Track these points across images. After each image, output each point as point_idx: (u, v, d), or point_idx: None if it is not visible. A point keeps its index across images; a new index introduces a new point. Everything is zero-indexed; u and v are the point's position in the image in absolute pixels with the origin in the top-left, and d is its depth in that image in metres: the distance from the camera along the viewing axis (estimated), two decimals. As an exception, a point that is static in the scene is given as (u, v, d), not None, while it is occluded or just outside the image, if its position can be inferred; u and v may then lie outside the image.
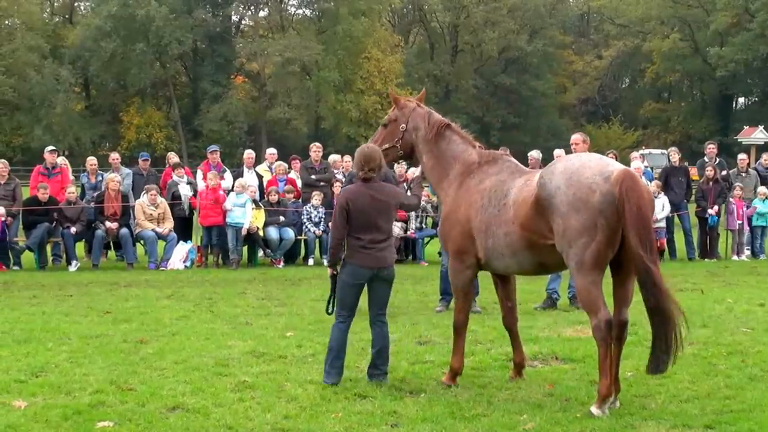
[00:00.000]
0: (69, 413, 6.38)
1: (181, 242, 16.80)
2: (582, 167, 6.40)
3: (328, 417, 6.34)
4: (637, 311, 6.87)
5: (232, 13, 66.68)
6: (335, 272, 7.37)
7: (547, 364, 8.13)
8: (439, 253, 14.57)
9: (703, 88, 68.22)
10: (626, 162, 20.54)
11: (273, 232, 16.78)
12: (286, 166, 18.60)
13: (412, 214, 17.19)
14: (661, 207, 17.36)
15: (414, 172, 8.52)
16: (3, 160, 17.46)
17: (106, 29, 56.22)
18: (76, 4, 68.32)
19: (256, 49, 59.99)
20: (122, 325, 10.14)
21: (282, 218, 16.94)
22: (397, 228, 17.21)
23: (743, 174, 19.65)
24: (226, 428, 6.11)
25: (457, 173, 7.41)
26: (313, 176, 17.55)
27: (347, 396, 6.89)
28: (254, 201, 16.67)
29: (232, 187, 16.98)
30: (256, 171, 18.23)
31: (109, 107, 63.70)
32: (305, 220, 17.03)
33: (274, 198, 17.08)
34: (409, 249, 18.07)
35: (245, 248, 17.21)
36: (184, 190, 17.43)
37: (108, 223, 16.32)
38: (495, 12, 64.28)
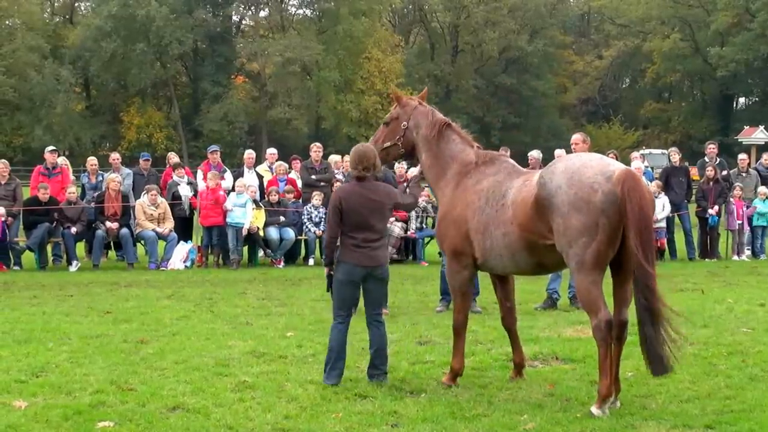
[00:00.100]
0: (69, 413, 6.38)
1: (181, 242, 16.81)
2: (583, 167, 6.39)
3: (328, 417, 6.34)
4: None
5: (233, 13, 66.66)
6: (331, 272, 7.38)
7: (548, 364, 8.14)
8: (440, 253, 14.54)
9: (704, 88, 68.18)
10: (627, 162, 20.55)
11: (273, 232, 16.78)
12: (287, 166, 18.60)
13: (413, 214, 17.19)
14: (662, 207, 17.37)
15: (413, 171, 8.51)
16: (3, 161, 17.47)
17: (107, 29, 56.21)
18: (76, 4, 68.33)
19: (257, 49, 59.98)
20: (123, 325, 10.15)
21: (282, 218, 16.94)
22: (397, 228, 17.22)
23: (743, 174, 19.65)
24: (227, 428, 6.11)
25: (454, 173, 7.41)
26: (313, 176, 17.55)
27: (347, 396, 6.89)
28: (254, 201, 16.67)
29: (233, 187, 16.98)
30: (256, 171, 18.24)
31: (109, 107, 63.71)
32: (305, 220, 17.04)
33: (274, 198, 17.09)
34: (409, 249, 18.09)
35: (245, 248, 17.21)
36: (185, 191, 17.43)
37: (108, 223, 16.33)
38: (495, 12, 64.27)
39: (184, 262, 16.58)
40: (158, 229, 16.52)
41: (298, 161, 19.08)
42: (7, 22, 59.64)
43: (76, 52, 58.96)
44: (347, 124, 58.75)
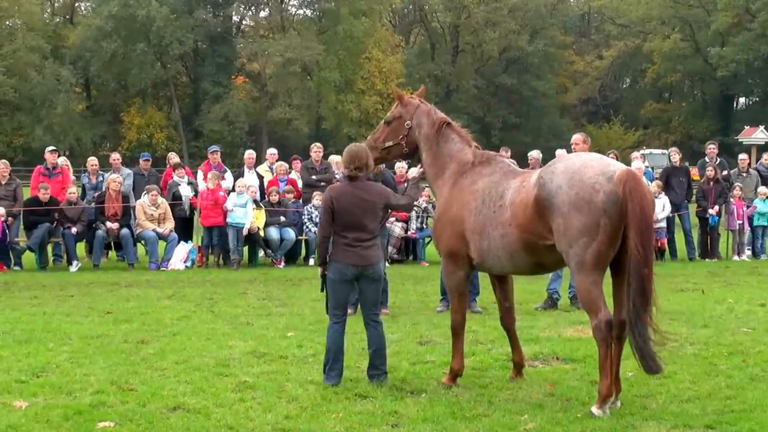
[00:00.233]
0: (70, 413, 6.38)
1: (181, 242, 16.81)
2: (583, 167, 6.39)
3: (328, 417, 6.34)
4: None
5: (233, 13, 66.65)
6: (325, 271, 7.39)
7: (548, 365, 8.14)
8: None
9: (704, 88, 68.15)
10: (627, 162, 20.55)
11: (274, 233, 16.78)
12: (287, 166, 18.60)
13: (413, 214, 17.20)
14: (662, 207, 17.38)
15: (413, 172, 8.50)
16: (4, 161, 17.47)
17: (107, 29, 56.21)
18: (76, 4, 68.31)
19: (257, 50, 59.98)
20: (123, 325, 10.15)
21: (283, 218, 16.95)
22: (398, 228, 17.23)
23: (744, 174, 19.66)
24: (227, 428, 6.11)
25: (452, 172, 7.41)
26: (313, 176, 17.54)
27: (348, 396, 6.89)
28: (255, 201, 16.68)
29: (233, 187, 16.99)
30: (256, 171, 18.25)
31: (109, 107, 63.71)
32: (306, 220, 17.03)
33: (274, 198, 17.09)
34: (410, 249, 18.09)
35: (246, 248, 17.22)
36: (185, 191, 17.43)
37: (109, 224, 16.33)
38: (496, 12, 64.27)
39: (185, 262, 16.59)
40: (159, 230, 16.53)
41: (299, 161, 19.07)
42: (7, 23, 59.66)
43: (76, 53, 58.96)
44: (348, 124, 58.73)
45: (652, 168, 23.12)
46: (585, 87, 69.75)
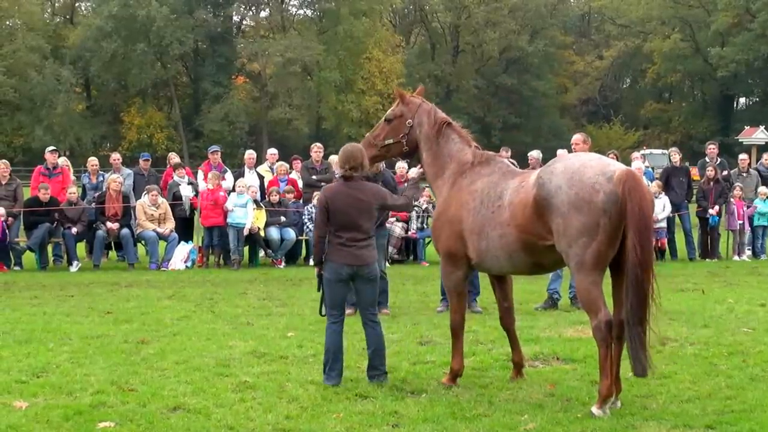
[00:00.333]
0: (70, 414, 6.38)
1: (182, 242, 16.81)
2: (583, 167, 6.39)
3: (329, 417, 6.34)
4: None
5: (233, 13, 66.68)
6: (321, 271, 7.40)
7: (548, 365, 8.14)
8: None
9: (704, 88, 68.16)
10: (627, 162, 20.54)
11: (274, 233, 16.78)
12: (288, 166, 18.60)
13: (413, 214, 17.21)
14: (662, 207, 17.38)
15: (413, 172, 8.49)
16: (4, 161, 17.47)
17: (107, 29, 56.22)
18: (76, 4, 68.32)
19: (257, 50, 59.99)
20: (123, 325, 10.15)
21: (283, 218, 16.95)
22: (398, 228, 17.23)
23: (744, 174, 19.66)
24: (227, 429, 6.11)
25: (451, 172, 7.40)
26: (314, 176, 17.53)
27: (348, 396, 6.89)
28: (255, 201, 16.68)
29: (233, 187, 16.99)
30: (257, 171, 18.25)
31: (110, 107, 63.73)
32: (306, 220, 17.03)
33: (275, 198, 17.09)
34: (410, 249, 18.09)
35: (246, 248, 17.21)
36: (185, 191, 17.44)
37: (109, 224, 16.33)
38: (496, 12, 64.28)
39: (185, 262, 16.59)
40: (159, 230, 16.53)
41: (299, 161, 19.07)
42: (7, 23, 59.69)
43: (76, 53, 58.98)
44: (348, 124, 58.74)
45: (653, 168, 23.13)
46: (585, 87, 69.76)
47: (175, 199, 17.30)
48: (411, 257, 18.03)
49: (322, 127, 61.32)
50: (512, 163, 8.74)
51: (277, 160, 18.54)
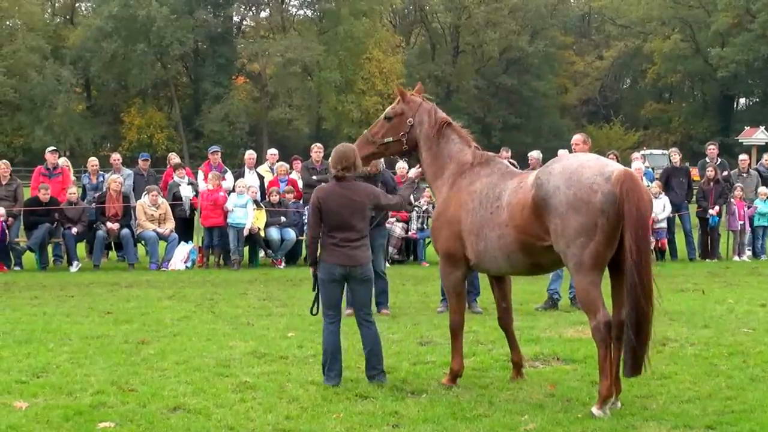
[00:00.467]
0: (70, 414, 6.38)
1: (182, 243, 16.81)
2: (581, 167, 6.39)
3: (329, 417, 6.34)
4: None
5: (234, 13, 66.68)
6: (316, 271, 7.41)
7: (549, 365, 8.14)
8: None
9: (704, 88, 68.16)
10: (627, 162, 20.55)
11: (274, 233, 16.78)
12: (288, 166, 18.59)
13: (413, 214, 17.21)
14: (662, 207, 17.39)
15: (413, 172, 8.48)
16: (4, 161, 17.48)
17: (107, 30, 56.22)
18: (77, 4, 68.32)
19: (258, 50, 60.00)
20: (123, 325, 10.15)
21: (283, 219, 16.94)
22: (398, 228, 17.23)
23: (744, 174, 19.66)
24: (228, 429, 6.11)
25: (451, 172, 7.39)
26: (314, 177, 17.50)
27: (348, 396, 6.89)
28: (255, 201, 16.67)
29: (233, 187, 16.98)
30: (257, 171, 18.24)
31: (110, 108, 63.74)
32: (306, 221, 17.01)
33: (275, 198, 17.08)
34: (410, 249, 18.09)
35: (246, 249, 17.21)
36: (186, 191, 17.44)
37: (109, 224, 16.33)
38: (496, 13, 64.27)
39: (185, 262, 16.59)
40: (159, 230, 16.53)
41: (299, 162, 19.06)
42: (7, 23, 59.69)
43: (76, 53, 58.98)
44: (348, 124, 58.70)
45: (653, 168, 23.14)
46: (585, 87, 69.74)
47: (176, 199, 17.30)
48: (411, 257, 18.03)
49: (323, 128, 61.31)
50: (512, 164, 8.75)
51: (278, 161, 18.54)
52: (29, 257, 16.77)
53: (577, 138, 11.28)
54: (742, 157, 20.67)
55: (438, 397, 6.89)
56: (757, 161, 27.27)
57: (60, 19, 68.09)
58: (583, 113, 71.31)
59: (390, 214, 15.53)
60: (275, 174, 18.07)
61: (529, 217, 6.56)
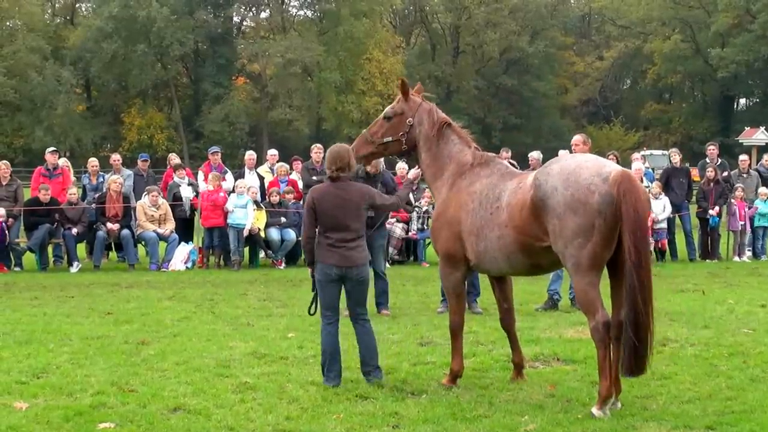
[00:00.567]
0: (70, 414, 6.39)
1: (182, 243, 16.81)
2: (579, 168, 6.39)
3: (329, 418, 6.34)
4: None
5: (234, 14, 66.68)
6: (314, 272, 7.42)
7: (549, 365, 8.14)
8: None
9: (705, 89, 68.17)
10: (628, 163, 20.56)
11: (274, 233, 16.78)
12: (288, 167, 18.59)
13: (414, 214, 17.21)
14: (662, 208, 17.39)
15: (413, 173, 8.46)
16: (5, 161, 17.48)
17: (108, 30, 56.25)
18: (77, 5, 68.35)
19: (258, 50, 60.03)
20: (123, 326, 10.15)
21: (283, 219, 16.94)
22: (398, 229, 17.23)
23: (744, 175, 19.66)
24: (228, 429, 6.12)
25: (450, 173, 7.38)
26: (314, 177, 17.46)
27: (348, 397, 6.89)
28: (255, 202, 16.67)
29: (234, 188, 16.99)
30: (257, 172, 18.24)
31: (110, 108, 63.77)
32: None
33: (275, 199, 17.08)
34: (410, 250, 18.09)
35: (246, 249, 17.20)
36: (186, 192, 17.44)
37: (109, 224, 16.33)
38: (496, 13, 64.28)
39: (185, 263, 16.59)
40: (159, 230, 16.53)
41: (299, 162, 19.05)
42: (8, 23, 59.73)
43: (76, 53, 59.01)
44: (348, 125, 58.69)
45: (653, 169, 23.15)
46: (585, 88, 69.75)
47: (176, 199, 17.30)
48: (411, 258, 18.02)
49: (323, 128, 61.31)
50: (512, 165, 8.74)
51: (278, 161, 18.54)
52: (29, 258, 16.76)
53: (577, 138, 11.29)
54: (743, 157, 20.67)
55: (438, 398, 6.89)
56: (757, 162, 27.28)
57: (60, 20, 68.12)
58: (583, 114, 71.34)
59: (391, 214, 15.53)
60: (275, 174, 18.07)
61: (527, 217, 6.56)
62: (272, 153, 19.28)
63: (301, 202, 17.55)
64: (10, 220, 16.22)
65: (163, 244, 16.76)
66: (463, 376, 7.41)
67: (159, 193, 16.88)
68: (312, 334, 9.48)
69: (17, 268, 16.35)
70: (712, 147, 19.66)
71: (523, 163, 14.87)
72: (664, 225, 17.55)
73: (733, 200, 18.56)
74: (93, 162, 18.88)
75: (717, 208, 18.38)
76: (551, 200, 6.34)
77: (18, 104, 55.75)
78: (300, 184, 17.92)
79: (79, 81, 61.03)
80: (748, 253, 18.90)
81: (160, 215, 16.63)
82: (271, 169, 18.38)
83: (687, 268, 16.87)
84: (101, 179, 18.10)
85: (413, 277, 15.06)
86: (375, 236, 10.66)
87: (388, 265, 14.13)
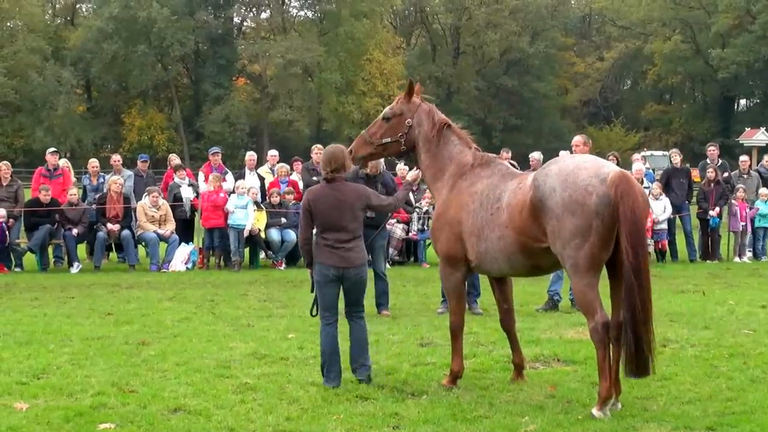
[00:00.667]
0: (70, 415, 6.39)
1: (182, 244, 16.81)
2: (577, 169, 6.39)
3: (329, 419, 6.34)
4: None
5: (234, 14, 66.69)
6: (313, 272, 7.42)
7: (549, 366, 8.13)
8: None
9: (705, 89, 68.20)
10: (628, 163, 20.56)
11: (275, 234, 16.78)
12: (288, 167, 18.59)
13: (414, 215, 17.21)
14: (663, 209, 17.39)
15: (412, 174, 8.45)
16: (5, 162, 17.50)
17: (108, 31, 56.29)
18: (77, 5, 68.39)
19: (258, 51, 60.02)
20: (124, 326, 10.15)
21: (284, 220, 16.94)
22: (399, 229, 17.22)
23: (745, 176, 19.65)
24: (228, 430, 6.12)
25: (451, 174, 7.37)
26: (314, 178, 17.46)
27: (349, 398, 6.89)
28: (256, 203, 16.68)
29: (234, 188, 16.99)
30: (257, 173, 18.24)
31: (110, 109, 63.80)
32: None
33: (275, 200, 17.08)
34: (410, 251, 18.08)
35: (247, 250, 17.21)
36: (186, 192, 17.44)
37: (110, 225, 16.34)
38: (496, 14, 64.30)
39: (186, 263, 16.59)
40: (159, 231, 16.53)
41: (300, 163, 19.04)
42: (8, 24, 59.76)
43: (77, 54, 59.05)
44: (348, 125, 58.70)
45: (653, 169, 23.13)
46: (586, 88, 69.76)
47: (176, 200, 17.30)
48: (412, 259, 18.01)
49: (323, 129, 61.32)
50: (513, 165, 8.74)
51: (278, 162, 18.53)
52: (30, 258, 16.77)
53: (577, 139, 11.29)
54: (743, 158, 20.67)
55: (438, 399, 6.89)
56: (758, 162, 27.27)
57: (60, 20, 68.16)
58: (583, 114, 71.36)
59: (391, 215, 15.53)
60: (276, 175, 18.06)
61: (527, 218, 6.56)
62: (273, 154, 19.28)
63: (301, 203, 17.56)
64: (11, 220, 16.23)
65: (163, 245, 16.76)
66: (463, 376, 7.41)
67: (159, 194, 16.88)
68: (312, 334, 9.47)
69: (18, 269, 16.35)
70: (712, 148, 19.65)
71: (524, 164, 14.89)
72: (665, 226, 17.56)
73: (733, 201, 18.56)
74: (93, 163, 18.90)
75: (717, 208, 18.37)
76: (549, 201, 6.35)
77: (18, 105, 55.78)
78: (300, 185, 17.92)
79: (80, 81, 61.08)
80: (749, 254, 18.90)
81: (161, 216, 16.64)
82: (272, 170, 18.37)
83: (687, 269, 16.87)
84: (102, 180, 18.10)
85: (413, 278, 15.06)
86: (375, 237, 10.66)
87: (388, 265, 14.13)
